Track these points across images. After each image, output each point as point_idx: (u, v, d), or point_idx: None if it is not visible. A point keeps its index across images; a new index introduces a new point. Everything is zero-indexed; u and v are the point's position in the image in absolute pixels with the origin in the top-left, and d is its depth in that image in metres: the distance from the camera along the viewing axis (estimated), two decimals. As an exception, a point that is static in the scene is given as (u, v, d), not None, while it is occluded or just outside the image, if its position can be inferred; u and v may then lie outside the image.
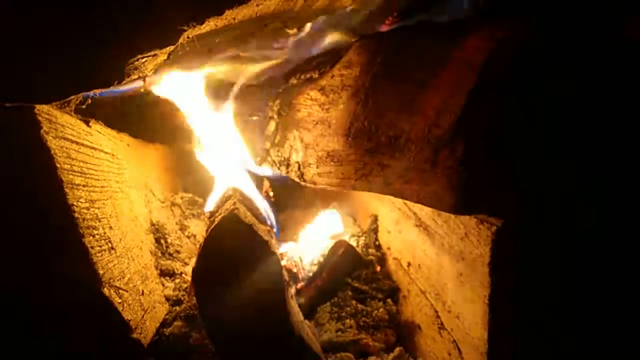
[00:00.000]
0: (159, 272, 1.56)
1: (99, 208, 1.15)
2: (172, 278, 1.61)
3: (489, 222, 1.02)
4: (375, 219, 1.95)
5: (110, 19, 0.92)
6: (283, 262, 1.76)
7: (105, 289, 1.07)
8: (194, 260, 1.43)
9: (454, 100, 0.99)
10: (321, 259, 1.81)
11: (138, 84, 1.14)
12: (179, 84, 1.56)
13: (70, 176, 1.04)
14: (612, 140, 0.98)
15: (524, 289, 1.02)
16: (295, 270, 1.80)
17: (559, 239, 1.00)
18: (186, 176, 2.39)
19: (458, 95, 0.98)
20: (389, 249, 1.81)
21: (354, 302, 1.63)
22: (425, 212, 1.40)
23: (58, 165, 0.99)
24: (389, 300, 1.64)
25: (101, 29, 0.93)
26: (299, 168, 1.42)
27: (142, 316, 1.21)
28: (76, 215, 1.02)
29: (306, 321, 1.47)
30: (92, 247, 1.05)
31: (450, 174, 1.00)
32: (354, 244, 1.89)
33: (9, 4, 0.92)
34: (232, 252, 1.13)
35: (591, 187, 0.99)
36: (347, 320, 1.55)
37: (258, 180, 1.73)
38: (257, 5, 1.01)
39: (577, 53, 0.98)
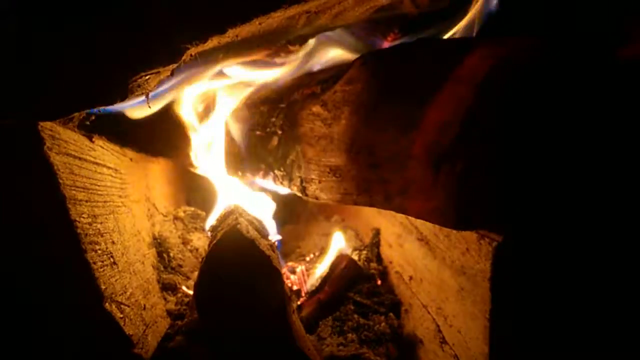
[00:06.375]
0: (161, 286, 1.57)
1: (101, 223, 1.15)
2: (174, 292, 1.61)
3: (490, 238, 1.02)
4: (377, 232, 1.95)
5: (113, 37, 0.93)
6: (285, 277, 1.76)
7: (107, 304, 1.07)
8: (196, 274, 1.44)
9: (454, 117, 0.99)
10: (323, 273, 1.81)
11: (141, 100, 1.15)
12: (182, 99, 1.57)
13: (73, 192, 1.04)
14: (614, 158, 0.98)
15: (525, 304, 1.02)
16: (297, 284, 1.80)
17: (561, 255, 1.00)
18: (189, 190, 2.40)
19: (458, 112, 0.99)
20: (390, 262, 1.81)
21: (355, 316, 1.62)
22: (426, 226, 1.40)
23: (61, 181, 1.00)
24: (390, 314, 1.64)
25: (104, 47, 0.94)
26: (301, 183, 1.43)
27: (144, 331, 1.21)
28: (79, 230, 1.03)
29: (308, 335, 1.46)
30: (94, 263, 1.06)
31: (451, 190, 1.00)
32: (355, 257, 1.89)
33: (13, 21, 0.93)
34: (234, 267, 1.13)
35: (593, 203, 0.99)
36: (349, 335, 1.55)
37: (261, 194, 1.74)
38: (260, 24, 1.02)
39: (580, 72, 0.98)
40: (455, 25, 1.36)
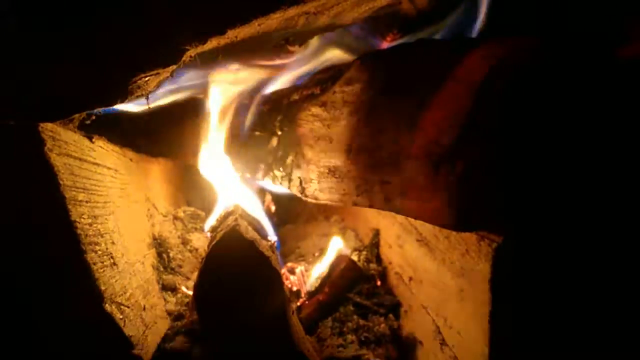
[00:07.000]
0: (160, 286, 1.57)
1: (101, 224, 1.15)
2: (174, 292, 1.61)
3: (490, 239, 1.02)
4: (376, 233, 1.95)
5: (113, 38, 0.93)
6: (284, 277, 1.76)
7: (107, 305, 1.07)
8: (195, 274, 1.44)
9: (453, 118, 0.99)
10: (323, 274, 1.81)
11: (141, 101, 1.16)
12: (182, 99, 1.57)
13: (73, 193, 1.04)
14: (615, 158, 0.98)
15: (525, 305, 1.02)
16: (296, 285, 1.80)
17: (561, 256, 1.01)
18: (189, 190, 2.40)
19: (458, 112, 0.99)
20: (390, 263, 1.80)
21: (355, 317, 1.62)
22: (426, 227, 1.40)
23: (61, 182, 1.00)
24: (390, 315, 1.64)
25: (104, 47, 0.94)
26: (300, 183, 1.43)
27: (144, 332, 1.21)
28: (79, 231, 1.03)
29: (307, 336, 1.46)
30: (94, 264, 1.06)
31: (451, 191, 1.00)
32: (355, 258, 1.88)
33: (13, 21, 0.93)
34: (234, 268, 1.13)
35: (592, 204, 0.99)
36: (349, 336, 1.55)
37: (260, 194, 1.74)
38: (259, 25, 1.02)
39: (579, 72, 0.98)
40: (451, 24, 1.36)
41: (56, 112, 0.99)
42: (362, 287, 1.75)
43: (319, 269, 1.84)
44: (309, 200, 1.43)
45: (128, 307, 1.16)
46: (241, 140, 1.62)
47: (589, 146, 0.96)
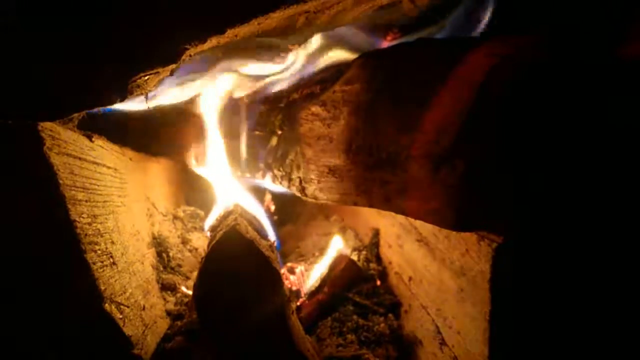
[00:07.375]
0: (160, 286, 1.57)
1: (101, 223, 1.15)
2: (174, 292, 1.61)
3: (490, 239, 1.02)
4: (376, 233, 1.95)
5: (113, 37, 0.93)
6: (284, 277, 1.76)
7: (106, 304, 1.07)
8: (195, 274, 1.44)
9: (454, 118, 0.99)
10: (322, 274, 1.81)
11: (141, 100, 1.15)
12: (183, 99, 1.57)
13: (73, 192, 1.04)
14: (615, 158, 0.98)
15: (525, 306, 1.02)
16: (296, 285, 1.79)
17: (561, 256, 1.00)
18: (189, 189, 2.40)
19: (458, 112, 0.99)
20: (390, 263, 1.80)
21: (355, 316, 1.62)
22: (426, 227, 1.40)
23: (61, 182, 1.00)
24: (390, 315, 1.63)
25: (104, 47, 0.94)
26: (300, 183, 1.43)
27: (143, 331, 1.21)
28: (78, 231, 1.03)
29: (307, 336, 1.46)
30: (94, 263, 1.06)
31: (451, 191, 1.00)
32: (355, 258, 1.88)
33: (13, 21, 0.93)
34: (233, 267, 1.13)
35: (593, 205, 0.99)
36: (349, 335, 1.55)
37: (260, 194, 1.74)
38: (259, 24, 1.02)
39: (580, 71, 0.98)
40: (451, 24, 1.36)
41: (55, 112, 0.99)
42: (362, 286, 1.75)
43: (319, 268, 1.84)
44: (309, 199, 1.43)
45: (127, 307, 1.16)
46: (241, 140, 1.62)
47: (589, 146, 0.96)
